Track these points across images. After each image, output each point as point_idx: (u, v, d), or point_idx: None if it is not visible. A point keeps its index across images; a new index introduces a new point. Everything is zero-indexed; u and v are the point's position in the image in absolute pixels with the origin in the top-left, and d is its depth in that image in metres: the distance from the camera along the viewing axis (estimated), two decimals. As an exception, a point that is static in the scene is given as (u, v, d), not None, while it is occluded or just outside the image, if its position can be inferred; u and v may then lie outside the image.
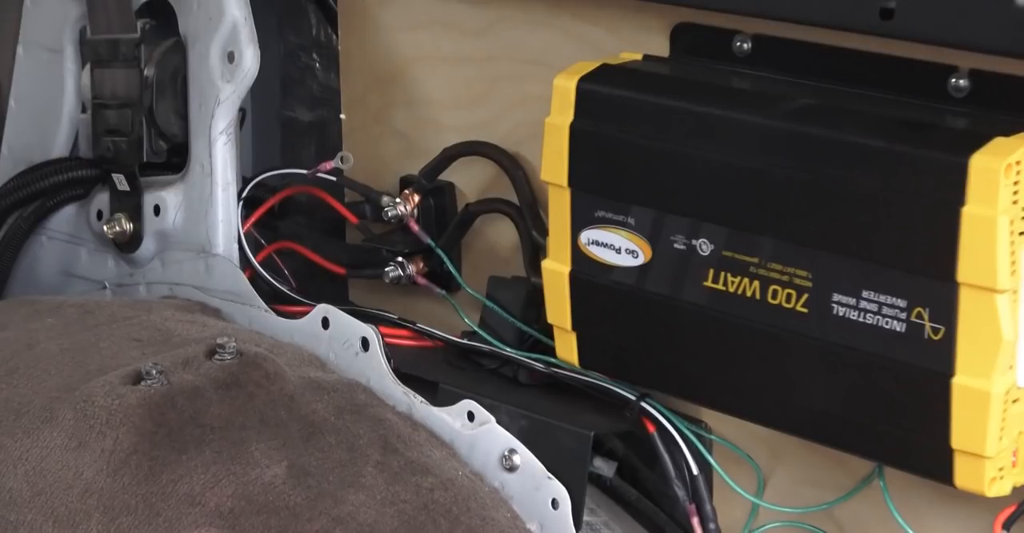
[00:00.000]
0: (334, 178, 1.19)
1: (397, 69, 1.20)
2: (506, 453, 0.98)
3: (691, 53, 1.00)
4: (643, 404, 1.02)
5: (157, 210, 1.18)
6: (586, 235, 1.00)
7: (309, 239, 1.25)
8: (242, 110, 1.19)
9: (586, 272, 1.01)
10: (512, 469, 0.98)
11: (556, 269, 1.02)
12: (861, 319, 0.89)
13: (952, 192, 0.84)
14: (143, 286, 1.20)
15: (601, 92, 0.97)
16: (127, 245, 1.20)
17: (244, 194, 1.18)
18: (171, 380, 0.94)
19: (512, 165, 1.13)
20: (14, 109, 1.29)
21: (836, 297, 0.89)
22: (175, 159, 1.19)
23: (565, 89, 0.98)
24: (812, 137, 0.89)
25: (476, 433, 0.99)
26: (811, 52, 0.94)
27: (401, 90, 1.21)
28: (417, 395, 1.02)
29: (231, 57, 1.13)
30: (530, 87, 1.11)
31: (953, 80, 0.89)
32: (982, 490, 0.88)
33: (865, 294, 0.88)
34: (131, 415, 0.91)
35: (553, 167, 1.00)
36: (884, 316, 0.88)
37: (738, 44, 0.97)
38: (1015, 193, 0.83)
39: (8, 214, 1.25)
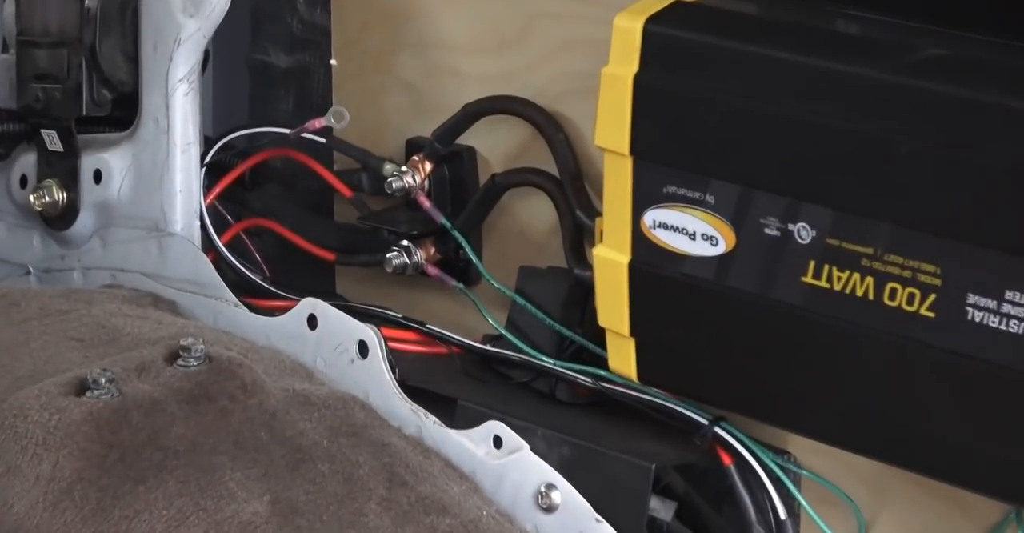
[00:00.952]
0: (323, 140, 1.20)
1: (404, 1, 1.21)
2: (543, 489, 0.99)
3: (783, -12, 1.01)
4: (717, 429, 1.03)
5: (98, 176, 1.19)
6: (651, 216, 1.01)
7: (289, 216, 1.26)
8: (206, 53, 1.19)
9: (650, 263, 1.01)
10: (550, 509, 0.99)
11: (611, 258, 1.03)
12: (1003, 326, 0.89)
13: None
14: (78, 272, 1.21)
15: (675, 36, 0.98)
16: (58, 220, 1.21)
17: (208, 158, 1.19)
18: (123, 390, 0.94)
19: (551, 126, 1.13)
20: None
21: (971, 298, 0.90)
22: (121, 113, 1.20)
23: (629, 32, 0.99)
24: (945, 97, 0.89)
25: (504, 463, 1.00)
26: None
27: (409, 29, 1.21)
28: (429, 414, 1.03)
29: (196, -16, 1.14)
30: (577, 28, 1.11)
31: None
32: None
33: (1009, 295, 0.89)
34: (74, 434, 0.92)
35: (611, 130, 1.00)
36: (1031, 323, 0.89)
37: (844, -23, 0.99)
38: None
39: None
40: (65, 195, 1.20)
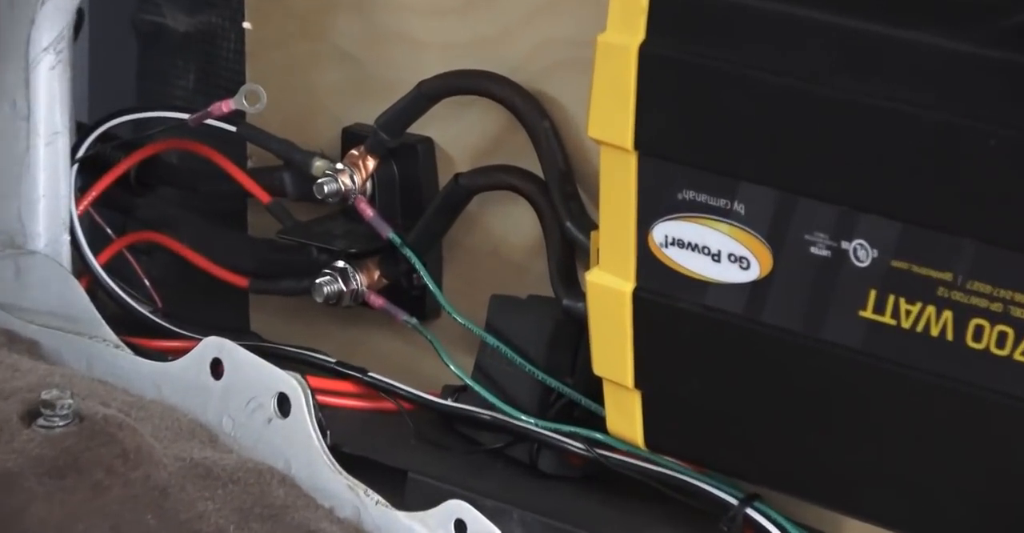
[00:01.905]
0: (233, 128, 1.20)
1: (341, -52, 1.22)
2: (520, 590, 1.00)
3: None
4: (750, 511, 1.03)
5: (-66, 176, 1.20)
6: (662, 230, 1.01)
7: (188, 229, 1.26)
8: (79, 12, 1.20)
9: (661, 292, 1.01)
10: (529, 616, 0.99)
11: (610, 285, 1.03)
12: (1124, 377, 0.90)
13: None
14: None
15: (691, -5, 0.99)
16: None
17: (82, 152, 1.19)
18: (-35, 460, 0.95)
19: (532, 112, 1.13)
20: None
21: (1082, 340, 0.91)
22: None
23: (631, -10, 1.00)
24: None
25: (470, 555, 1.01)
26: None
27: (347, -17, 1.22)
28: (371, 491, 1.03)
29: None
30: (564, -16, 1.12)
31: None
32: None
33: None
34: (-99, 517, 0.92)
35: (609, 117, 1.00)
36: None
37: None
38: None
39: None
40: None
